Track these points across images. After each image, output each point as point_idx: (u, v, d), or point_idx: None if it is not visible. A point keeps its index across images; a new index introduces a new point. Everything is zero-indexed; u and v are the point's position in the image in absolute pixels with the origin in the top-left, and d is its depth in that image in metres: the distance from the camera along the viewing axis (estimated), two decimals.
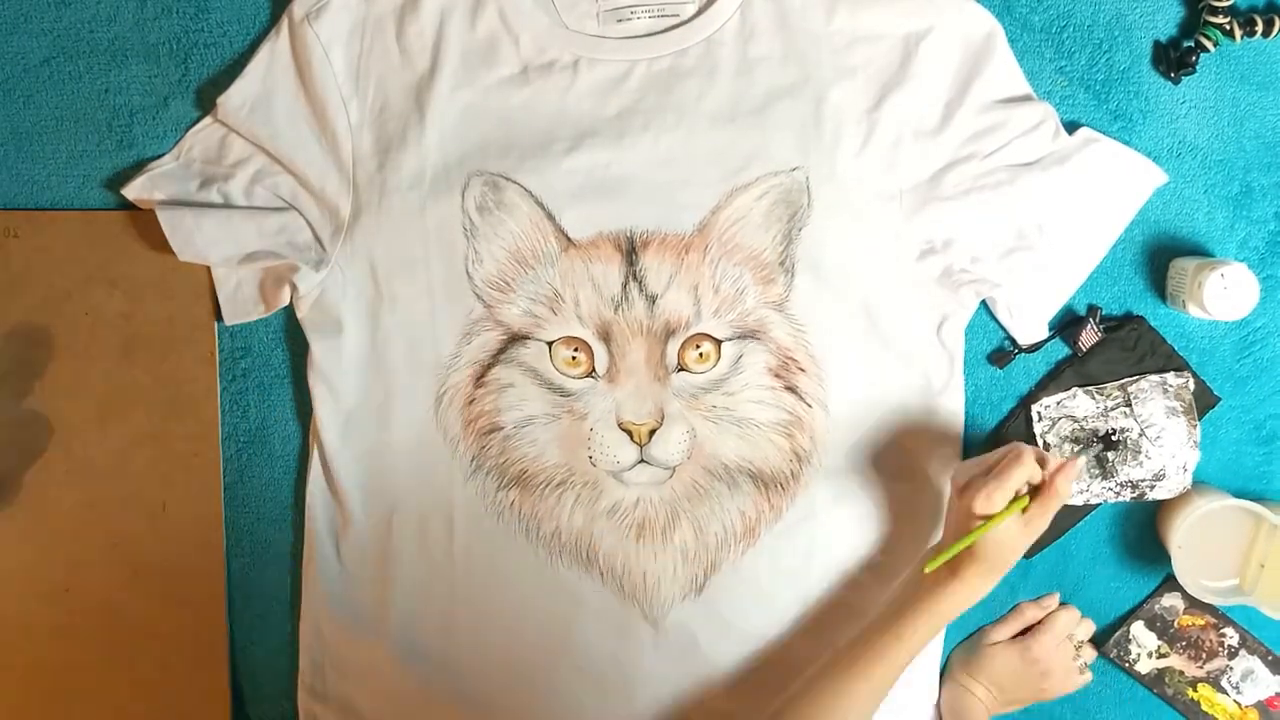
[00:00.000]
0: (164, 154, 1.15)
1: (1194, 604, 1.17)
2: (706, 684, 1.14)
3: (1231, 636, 1.18)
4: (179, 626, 1.19)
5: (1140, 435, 1.14)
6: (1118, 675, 1.20)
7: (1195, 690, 1.19)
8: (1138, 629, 1.19)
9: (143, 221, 1.15)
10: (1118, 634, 1.19)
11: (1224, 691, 1.19)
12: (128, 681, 1.19)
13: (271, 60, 1.12)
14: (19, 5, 1.15)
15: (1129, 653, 1.19)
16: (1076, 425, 1.15)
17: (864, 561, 1.14)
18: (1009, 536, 1.00)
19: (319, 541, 1.16)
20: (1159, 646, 1.19)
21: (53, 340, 1.17)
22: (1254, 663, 1.18)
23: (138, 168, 1.15)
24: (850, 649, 1.03)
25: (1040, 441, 1.15)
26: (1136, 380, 1.15)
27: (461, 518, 1.14)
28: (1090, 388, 1.15)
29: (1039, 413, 1.16)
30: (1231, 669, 1.18)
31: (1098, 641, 1.20)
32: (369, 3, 1.11)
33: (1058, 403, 1.15)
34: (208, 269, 1.14)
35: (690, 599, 1.13)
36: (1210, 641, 1.18)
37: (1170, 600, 1.18)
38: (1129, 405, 1.14)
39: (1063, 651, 1.17)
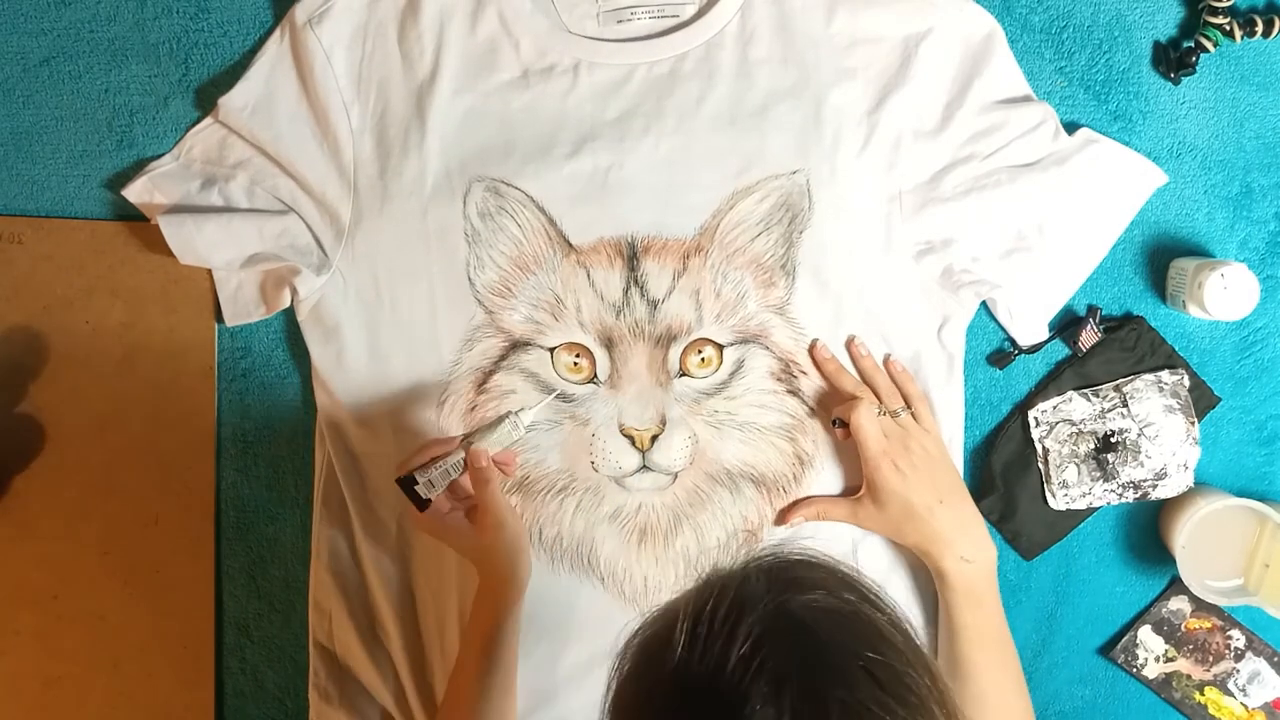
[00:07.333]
0: (164, 154, 1.14)
1: (1201, 607, 1.17)
2: None
3: (1238, 639, 1.17)
4: (165, 638, 1.18)
5: (1139, 435, 1.14)
6: (1125, 680, 1.20)
7: (1202, 693, 1.18)
8: (1145, 633, 1.18)
9: (146, 233, 1.15)
10: (1125, 639, 1.18)
11: (1231, 694, 1.18)
12: (111, 690, 1.18)
13: (274, 63, 1.12)
14: (19, 5, 1.15)
15: (1136, 658, 1.18)
16: (1074, 428, 1.15)
17: (866, 564, 1.13)
18: None
19: (322, 543, 1.15)
20: (1166, 650, 1.18)
21: (52, 347, 1.16)
22: (1260, 664, 1.17)
23: (138, 168, 1.14)
24: None
25: (1040, 447, 1.15)
26: (1131, 380, 1.14)
27: None
28: (1086, 390, 1.15)
29: (1035, 418, 1.15)
30: (1238, 671, 1.18)
31: (1105, 648, 1.19)
32: (371, 7, 1.11)
33: (1054, 407, 1.15)
34: (210, 282, 1.14)
35: None
36: (1217, 644, 1.18)
37: (1177, 604, 1.17)
38: (1125, 405, 1.14)
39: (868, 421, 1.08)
